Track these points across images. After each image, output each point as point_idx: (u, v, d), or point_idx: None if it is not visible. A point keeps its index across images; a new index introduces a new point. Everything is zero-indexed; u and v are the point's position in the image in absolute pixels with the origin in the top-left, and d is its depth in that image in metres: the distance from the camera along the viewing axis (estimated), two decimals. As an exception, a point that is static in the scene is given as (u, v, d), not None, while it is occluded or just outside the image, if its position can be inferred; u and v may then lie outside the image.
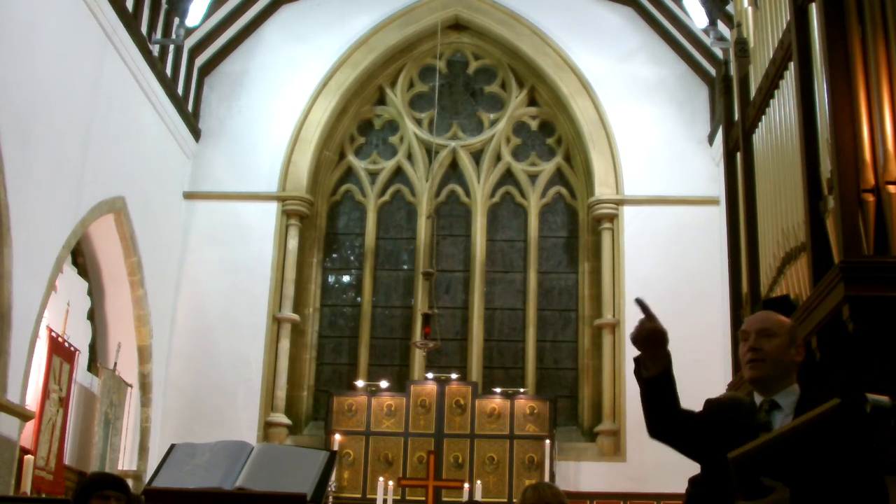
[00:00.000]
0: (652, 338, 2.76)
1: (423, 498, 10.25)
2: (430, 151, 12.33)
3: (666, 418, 2.79)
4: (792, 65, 6.27)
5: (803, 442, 2.50)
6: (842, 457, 2.50)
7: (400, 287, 12.23)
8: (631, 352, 2.86)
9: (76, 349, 9.16)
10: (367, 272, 12.19)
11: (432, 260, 11.73)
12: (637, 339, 2.77)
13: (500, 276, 12.21)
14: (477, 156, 12.56)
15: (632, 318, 11.68)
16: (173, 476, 3.39)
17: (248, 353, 11.35)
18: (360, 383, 11.32)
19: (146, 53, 10.27)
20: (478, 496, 10.09)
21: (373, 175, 12.55)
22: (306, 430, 11.57)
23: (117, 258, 10.25)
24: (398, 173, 12.59)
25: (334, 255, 12.49)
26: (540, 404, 11.02)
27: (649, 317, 2.79)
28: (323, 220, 12.40)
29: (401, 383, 11.52)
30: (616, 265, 11.51)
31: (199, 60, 12.03)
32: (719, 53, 11.03)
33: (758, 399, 2.83)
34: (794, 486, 2.48)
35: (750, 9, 7.91)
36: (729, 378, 8.32)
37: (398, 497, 10.33)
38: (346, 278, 12.46)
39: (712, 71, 11.69)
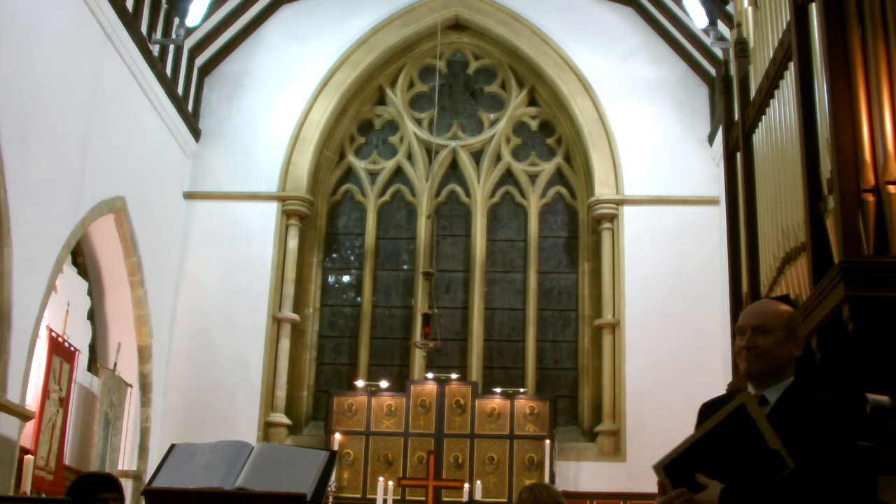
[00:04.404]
0: None
1: (423, 498, 10.25)
2: (430, 151, 12.33)
3: None
4: (792, 65, 6.27)
5: (717, 441, 2.62)
6: (760, 450, 2.54)
7: (400, 287, 12.23)
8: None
9: (76, 349, 9.15)
10: (367, 272, 12.19)
11: (432, 260, 11.73)
12: None
13: (500, 276, 12.21)
14: (477, 156, 12.56)
15: (632, 319, 11.79)
16: (173, 476, 3.39)
17: (248, 353, 11.35)
18: (360, 383, 11.31)
19: (146, 53, 10.27)
20: (478, 496, 10.08)
21: (373, 175, 12.56)
22: (306, 430, 11.57)
23: (117, 258, 10.25)
24: (398, 173, 12.59)
25: (334, 255, 12.50)
26: (540, 404, 11.02)
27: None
28: (323, 220, 12.40)
29: (401, 383, 11.52)
30: (616, 265, 11.51)
31: (199, 60, 12.03)
32: (719, 53, 11.03)
33: (752, 391, 2.84)
34: (725, 480, 2.56)
35: (750, 9, 7.91)
36: (729, 378, 8.33)
37: (398, 497, 10.33)
38: (346, 278, 12.46)
39: (712, 71, 11.69)
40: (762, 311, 2.85)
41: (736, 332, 2.89)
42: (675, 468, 2.65)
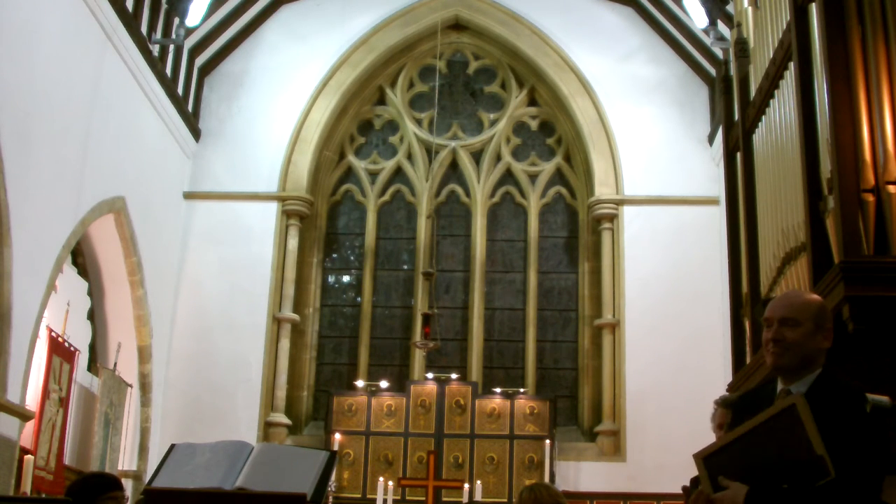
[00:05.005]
0: None
1: (423, 498, 10.25)
2: (430, 151, 12.33)
3: None
4: (792, 65, 6.27)
5: (761, 439, 2.55)
6: (798, 451, 2.48)
7: (400, 287, 12.23)
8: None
9: (76, 349, 9.15)
10: (367, 272, 12.19)
11: (432, 260, 11.73)
12: None
13: (500, 276, 12.21)
14: (477, 156, 12.56)
15: (632, 319, 11.76)
16: (173, 476, 3.39)
17: (248, 353, 11.35)
18: (360, 383, 11.32)
19: (146, 53, 10.27)
20: (478, 496, 10.08)
21: (373, 175, 12.56)
22: (306, 430, 11.57)
23: (117, 258, 10.25)
24: (398, 173, 12.59)
25: (334, 255, 12.50)
26: (540, 404, 11.02)
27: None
28: (323, 220, 12.40)
29: (401, 383, 11.52)
30: (616, 265, 11.52)
31: (199, 60, 12.03)
32: (719, 53, 11.03)
33: (780, 385, 2.77)
34: (753, 481, 2.51)
35: (750, 9, 7.91)
36: (729, 378, 8.33)
37: (398, 497, 10.33)
38: (346, 278, 12.46)
39: (712, 71, 11.69)
40: (790, 303, 2.76)
41: (762, 323, 2.81)
42: (715, 460, 2.59)
